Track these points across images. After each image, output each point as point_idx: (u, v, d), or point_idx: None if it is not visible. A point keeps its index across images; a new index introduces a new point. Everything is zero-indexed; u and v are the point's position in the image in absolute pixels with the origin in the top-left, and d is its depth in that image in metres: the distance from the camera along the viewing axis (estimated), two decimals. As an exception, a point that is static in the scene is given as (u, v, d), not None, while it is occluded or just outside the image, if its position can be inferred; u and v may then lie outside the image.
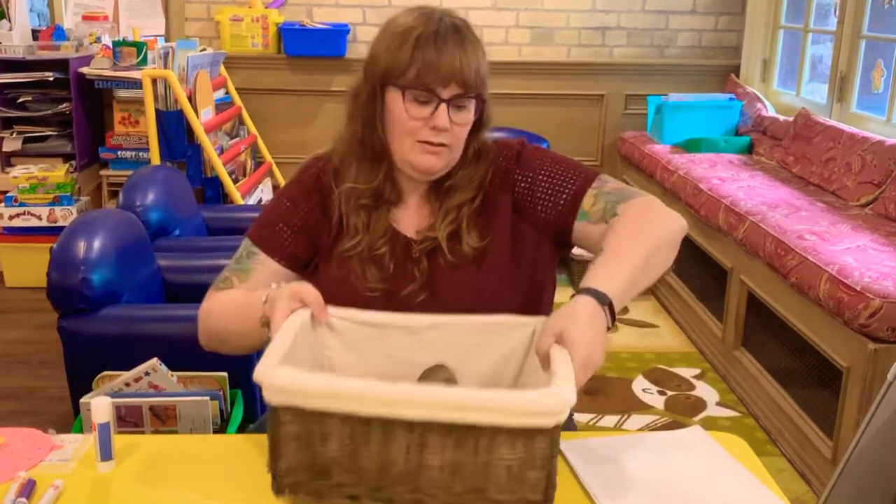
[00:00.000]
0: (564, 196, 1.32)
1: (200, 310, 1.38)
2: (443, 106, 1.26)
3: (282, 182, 4.33)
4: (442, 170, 1.32)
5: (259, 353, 1.10)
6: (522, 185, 1.36)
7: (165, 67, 3.54)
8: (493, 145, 1.39)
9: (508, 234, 1.34)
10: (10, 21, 3.84)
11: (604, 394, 2.83)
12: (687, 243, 3.39)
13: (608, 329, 1.10)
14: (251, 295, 1.27)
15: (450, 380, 1.22)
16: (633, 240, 1.20)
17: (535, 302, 1.36)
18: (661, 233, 1.24)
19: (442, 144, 1.28)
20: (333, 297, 1.26)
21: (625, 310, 3.57)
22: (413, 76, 1.25)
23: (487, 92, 1.32)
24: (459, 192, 1.34)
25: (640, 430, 2.60)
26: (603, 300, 1.10)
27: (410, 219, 1.36)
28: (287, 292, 1.17)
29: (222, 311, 1.33)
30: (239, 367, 2.17)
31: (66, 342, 2.13)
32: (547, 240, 1.36)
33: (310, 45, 4.27)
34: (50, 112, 3.82)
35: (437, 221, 1.33)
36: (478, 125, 1.34)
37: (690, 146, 3.85)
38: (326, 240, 1.35)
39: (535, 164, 1.36)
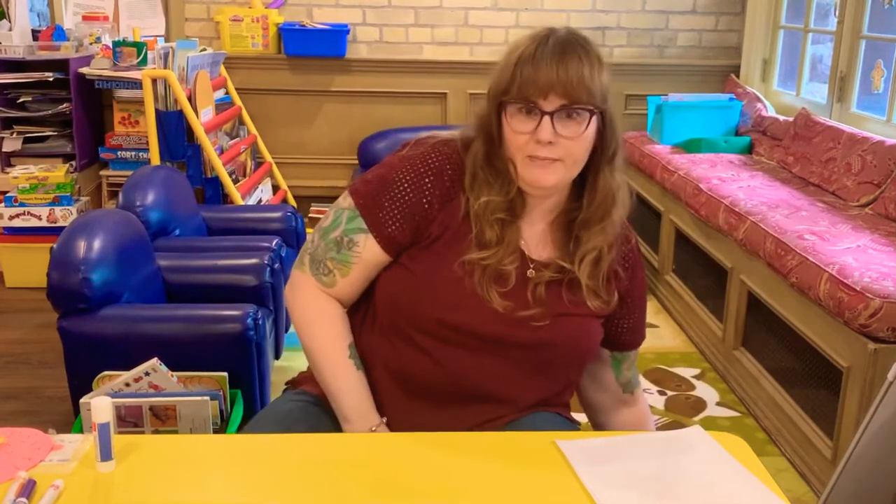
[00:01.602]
0: (628, 339, 1.48)
1: (297, 295, 1.40)
2: (546, 118, 1.25)
3: (282, 182, 4.33)
4: (555, 184, 1.31)
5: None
6: (633, 297, 1.44)
7: (165, 67, 3.54)
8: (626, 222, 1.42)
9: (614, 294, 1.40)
10: (10, 21, 3.84)
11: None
12: (687, 243, 3.40)
13: None
14: (363, 408, 1.34)
15: None
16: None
17: None
18: None
19: (551, 159, 1.28)
20: (445, 293, 1.29)
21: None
22: (515, 92, 1.27)
23: (609, 105, 1.30)
24: (599, 230, 1.34)
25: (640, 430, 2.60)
26: None
27: (536, 239, 1.37)
28: None
29: (326, 365, 1.37)
30: (239, 367, 2.17)
31: (66, 342, 2.13)
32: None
33: (310, 46, 4.27)
34: (50, 112, 3.82)
35: (578, 258, 1.34)
36: (602, 146, 1.32)
37: (690, 146, 3.85)
38: (439, 231, 1.33)
39: (643, 290, 1.48)
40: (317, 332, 1.37)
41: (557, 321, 1.32)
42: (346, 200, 1.37)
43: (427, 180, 1.33)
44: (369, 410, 1.35)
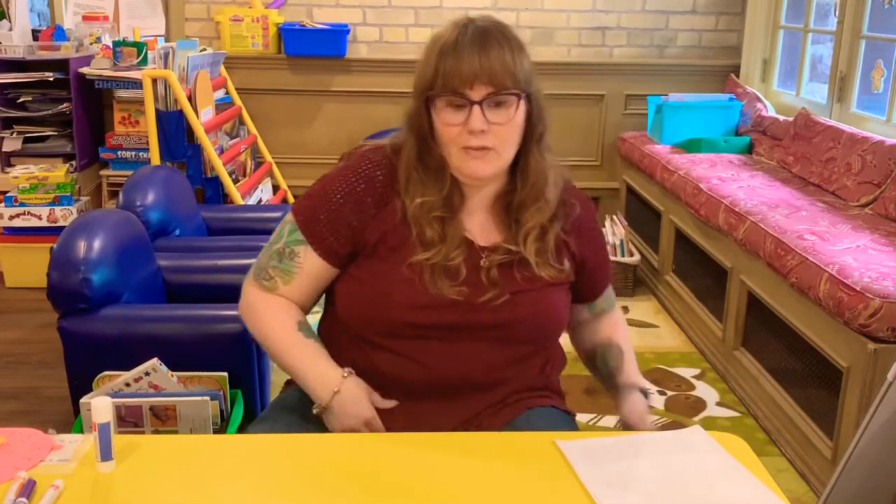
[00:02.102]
0: (593, 291, 1.54)
1: (244, 298, 1.43)
2: (475, 108, 1.27)
3: (282, 182, 4.33)
4: (492, 174, 1.33)
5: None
6: (579, 251, 1.45)
7: (165, 67, 3.54)
8: (570, 186, 1.45)
9: (571, 260, 1.43)
10: (10, 21, 3.84)
11: (604, 394, 2.82)
12: (687, 243, 3.40)
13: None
14: (320, 370, 1.36)
15: None
16: (627, 339, 1.58)
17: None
18: None
19: (485, 148, 1.29)
20: (400, 296, 1.31)
21: (625, 310, 3.57)
22: (441, 85, 1.28)
23: (533, 88, 1.32)
24: (535, 209, 1.36)
25: (640, 429, 2.60)
26: (646, 394, 1.48)
27: (480, 228, 1.38)
28: (364, 419, 1.32)
29: (277, 345, 1.39)
30: (239, 367, 2.17)
31: (66, 342, 2.13)
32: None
33: (310, 46, 4.27)
34: (50, 112, 3.82)
35: (521, 238, 1.36)
36: (530, 127, 1.34)
37: (690, 146, 3.85)
38: (376, 238, 1.35)
39: (597, 243, 1.50)
40: (263, 320, 1.40)
41: (515, 298, 1.34)
42: (288, 216, 1.41)
43: (359, 189, 1.36)
44: (326, 372, 1.35)
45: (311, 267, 1.38)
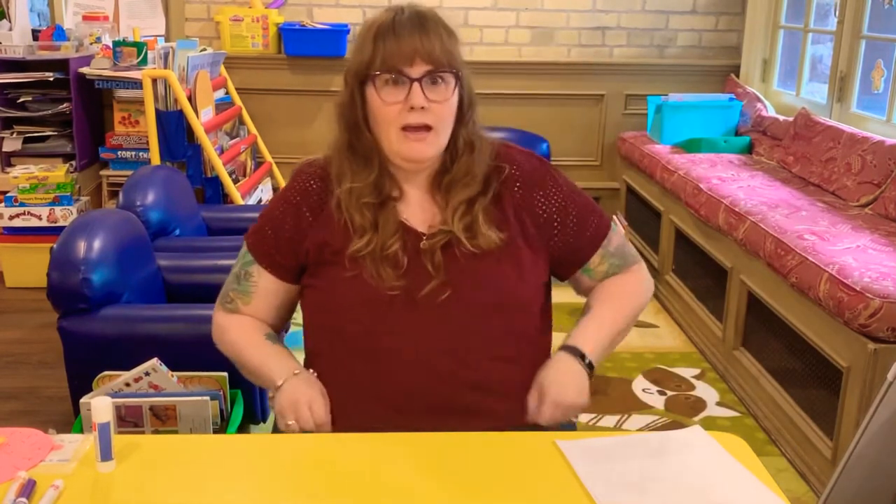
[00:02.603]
0: (578, 246, 1.42)
1: (214, 324, 1.46)
2: (415, 85, 1.29)
3: (282, 182, 4.33)
4: (433, 156, 1.34)
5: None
6: (540, 210, 1.39)
7: (165, 67, 3.54)
8: (501, 147, 1.42)
9: (519, 231, 1.38)
10: (10, 21, 3.84)
11: (604, 394, 2.83)
12: (687, 243, 3.40)
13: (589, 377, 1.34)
14: (284, 363, 1.37)
15: None
16: (619, 312, 1.43)
17: (546, 293, 1.43)
18: (639, 308, 1.48)
19: (426, 127, 1.30)
20: (349, 298, 1.30)
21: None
22: (380, 64, 1.29)
23: (464, 72, 1.35)
24: (462, 185, 1.36)
25: (640, 430, 2.60)
26: (582, 357, 1.34)
27: (418, 214, 1.38)
28: (306, 399, 1.30)
29: (245, 353, 1.42)
30: (239, 367, 2.16)
31: (66, 342, 2.13)
32: (544, 261, 1.41)
33: (310, 45, 4.27)
34: (50, 112, 3.82)
35: (449, 216, 1.34)
36: (462, 111, 1.36)
37: (690, 146, 3.85)
38: (318, 244, 1.36)
39: (557, 195, 1.41)
40: (229, 335, 1.43)
41: (460, 282, 1.31)
42: (243, 242, 1.46)
43: (295, 200, 1.39)
44: (290, 364, 1.37)
45: (265, 284, 1.41)
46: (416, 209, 1.38)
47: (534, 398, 1.32)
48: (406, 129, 1.30)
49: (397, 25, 1.30)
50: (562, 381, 1.32)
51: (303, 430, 1.30)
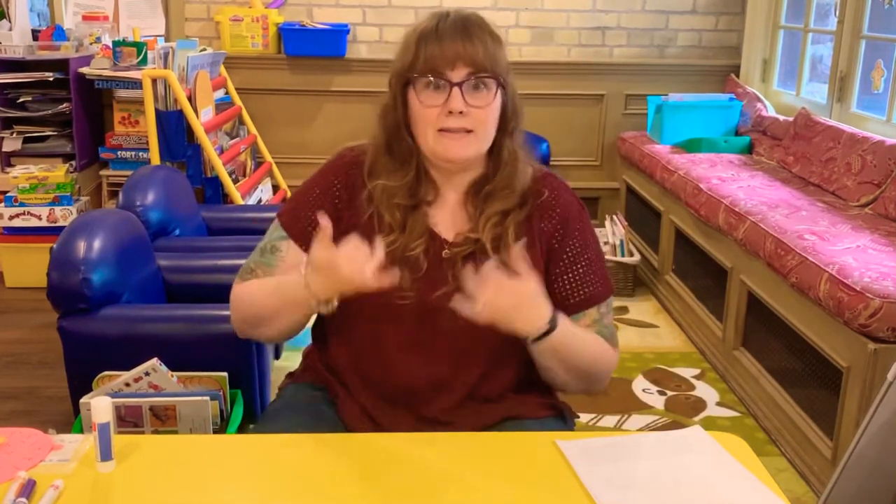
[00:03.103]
0: (567, 296, 1.37)
1: (231, 298, 1.42)
2: (455, 89, 1.28)
3: (282, 182, 4.33)
4: (470, 157, 1.33)
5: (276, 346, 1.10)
6: (556, 242, 1.37)
7: (165, 67, 3.54)
8: (545, 172, 1.41)
9: (538, 254, 1.36)
10: (10, 21, 3.84)
11: (604, 394, 2.83)
12: (687, 243, 3.40)
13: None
14: (286, 280, 1.32)
15: None
16: (591, 345, 1.36)
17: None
18: (599, 367, 1.40)
19: (464, 130, 1.30)
20: (359, 299, 1.27)
21: (625, 310, 3.57)
22: (421, 66, 1.29)
23: (509, 78, 1.34)
24: (500, 197, 1.35)
25: (640, 430, 2.60)
26: (553, 322, 1.24)
27: (449, 220, 1.37)
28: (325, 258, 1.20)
29: (259, 302, 1.36)
30: (239, 367, 2.17)
31: (66, 342, 2.13)
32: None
33: (310, 45, 4.27)
34: (50, 112, 3.82)
35: (481, 224, 1.34)
36: (505, 120, 1.35)
37: (690, 146, 3.85)
38: (348, 228, 1.34)
39: (578, 240, 1.38)
40: (243, 294, 1.39)
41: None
42: (274, 220, 1.44)
43: (334, 181, 1.39)
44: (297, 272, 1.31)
45: (292, 259, 1.38)
46: (447, 215, 1.37)
47: (489, 289, 1.19)
48: (443, 130, 1.30)
49: (441, 29, 1.30)
50: (525, 304, 1.23)
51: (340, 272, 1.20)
